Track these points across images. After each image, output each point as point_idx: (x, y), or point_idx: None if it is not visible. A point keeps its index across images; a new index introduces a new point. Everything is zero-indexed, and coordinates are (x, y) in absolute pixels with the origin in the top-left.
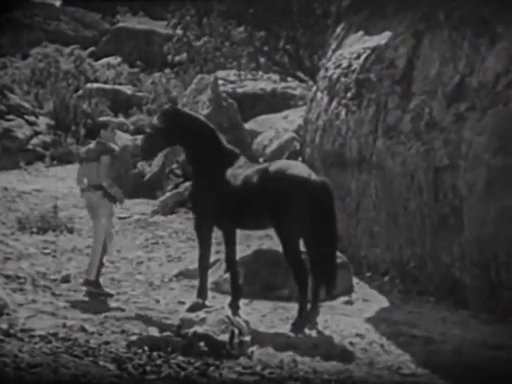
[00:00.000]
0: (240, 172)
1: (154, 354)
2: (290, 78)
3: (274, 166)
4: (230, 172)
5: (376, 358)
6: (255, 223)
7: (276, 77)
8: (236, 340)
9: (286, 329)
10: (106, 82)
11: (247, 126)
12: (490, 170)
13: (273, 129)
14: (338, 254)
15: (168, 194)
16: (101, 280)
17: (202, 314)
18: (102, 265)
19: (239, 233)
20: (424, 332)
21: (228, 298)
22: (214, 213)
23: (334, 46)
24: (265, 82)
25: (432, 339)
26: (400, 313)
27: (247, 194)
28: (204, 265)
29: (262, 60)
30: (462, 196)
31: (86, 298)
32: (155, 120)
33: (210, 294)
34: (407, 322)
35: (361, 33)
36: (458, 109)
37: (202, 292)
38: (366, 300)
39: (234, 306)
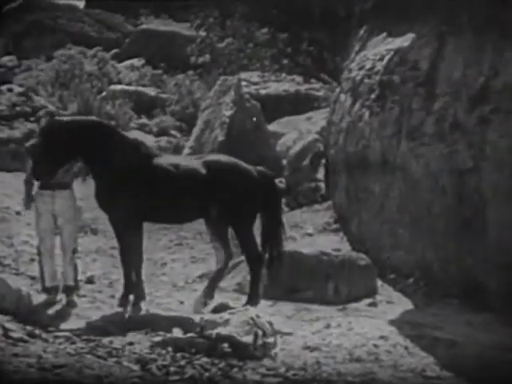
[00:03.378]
0: (174, 163)
1: (178, 354)
2: (313, 80)
3: (219, 158)
4: (156, 163)
5: (400, 360)
6: (190, 216)
7: (299, 78)
8: (259, 341)
9: (309, 330)
10: (129, 84)
11: (270, 127)
12: None
13: (296, 130)
14: (363, 256)
15: None
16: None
17: (225, 315)
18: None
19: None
20: (448, 334)
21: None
22: (140, 207)
23: (357, 47)
24: (288, 84)
25: (456, 342)
26: (424, 315)
27: (190, 187)
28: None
29: (285, 61)
30: (486, 198)
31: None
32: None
33: (233, 295)
34: (431, 324)
35: (384, 35)
36: (482, 111)
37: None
38: (390, 302)
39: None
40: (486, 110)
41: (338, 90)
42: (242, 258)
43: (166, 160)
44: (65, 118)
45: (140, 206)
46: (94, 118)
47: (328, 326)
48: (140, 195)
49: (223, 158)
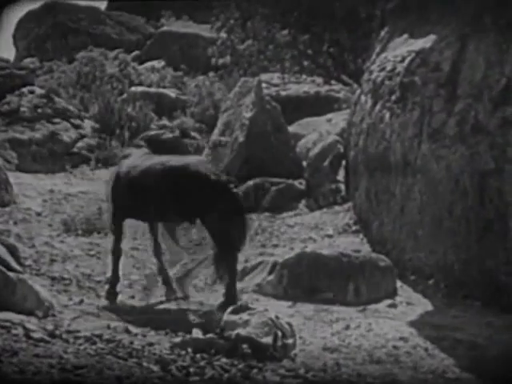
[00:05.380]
0: (147, 163)
1: (198, 355)
2: (333, 81)
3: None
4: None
5: (420, 361)
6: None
7: (320, 80)
8: (279, 342)
9: (329, 331)
10: (150, 86)
11: (291, 129)
12: None
13: (316, 132)
14: (383, 257)
15: None
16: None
17: (245, 316)
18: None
19: (282, 237)
20: (468, 336)
21: (271, 301)
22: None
23: (378, 49)
24: (308, 85)
25: (476, 343)
26: (444, 317)
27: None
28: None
29: (305, 63)
30: (508, 200)
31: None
32: None
33: (252, 296)
34: (451, 325)
35: (405, 36)
36: (504, 112)
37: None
38: (410, 303)
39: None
40: (508, 112)
41: (358, 91)
42: (262, 259)
43: (147, 160)
44: None
45: (121, 204)
46: None
47: (347, 327)
48: (122, 194)
49: (192, 159)
